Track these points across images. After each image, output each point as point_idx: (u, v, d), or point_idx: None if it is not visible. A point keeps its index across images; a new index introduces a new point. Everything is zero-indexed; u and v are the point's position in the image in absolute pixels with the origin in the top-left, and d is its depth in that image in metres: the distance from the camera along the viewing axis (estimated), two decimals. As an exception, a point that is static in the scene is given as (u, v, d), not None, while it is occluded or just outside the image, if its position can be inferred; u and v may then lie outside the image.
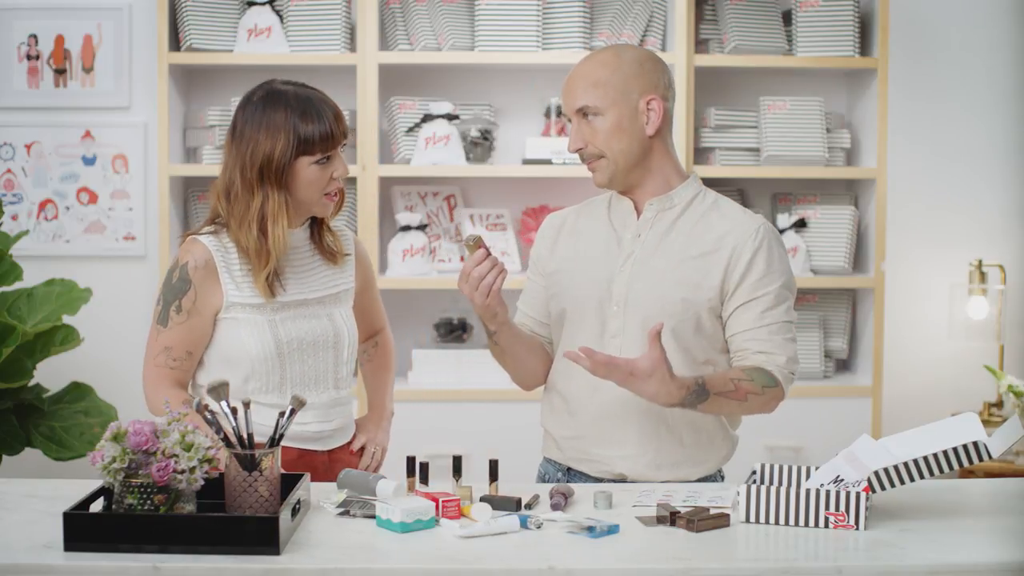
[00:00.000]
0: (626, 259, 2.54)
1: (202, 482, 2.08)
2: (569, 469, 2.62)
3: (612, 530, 2.15)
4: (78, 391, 3.98)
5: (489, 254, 2.42)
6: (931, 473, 2.21)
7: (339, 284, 2.67)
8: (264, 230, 2.51)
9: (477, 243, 2.41)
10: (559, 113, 4.35)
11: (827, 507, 2.17)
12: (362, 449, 2.76)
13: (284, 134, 2.48)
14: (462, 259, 4.42)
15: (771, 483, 2.38)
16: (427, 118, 4.24)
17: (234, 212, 2.53)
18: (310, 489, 2.32)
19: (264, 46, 4.24)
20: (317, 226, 2.65)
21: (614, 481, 2.55)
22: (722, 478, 2.66)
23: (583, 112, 2.52)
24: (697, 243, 2.52)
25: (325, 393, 2.62)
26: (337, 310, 2.65)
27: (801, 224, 4.37)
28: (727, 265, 2.50)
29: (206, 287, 2.53)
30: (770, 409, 2.55)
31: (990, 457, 2.21)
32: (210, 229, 2.57)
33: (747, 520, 2.21)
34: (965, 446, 2.20)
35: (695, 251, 2.52)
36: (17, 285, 3.98)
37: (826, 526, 2.17)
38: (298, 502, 2.17)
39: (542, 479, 2.68)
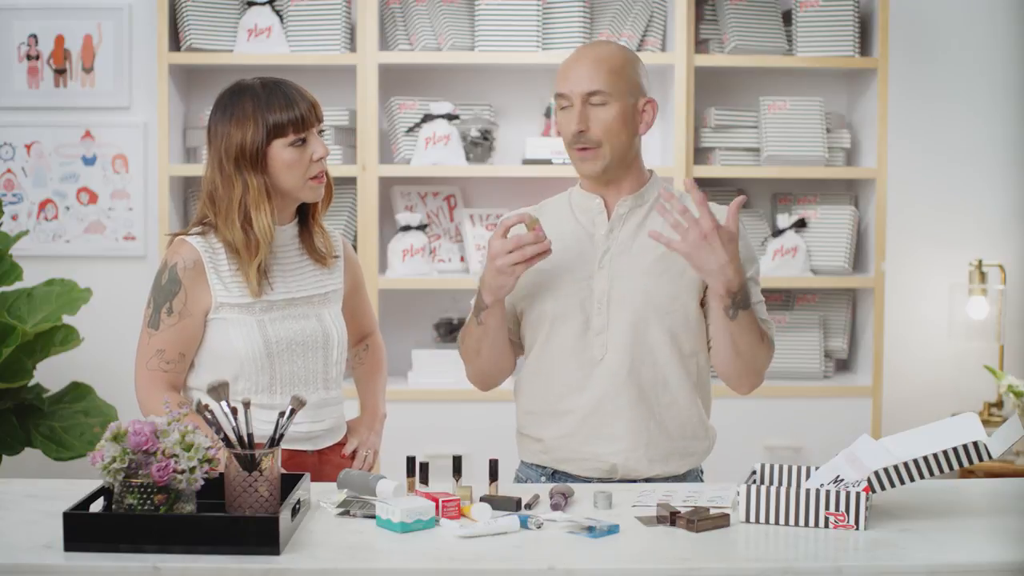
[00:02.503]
0: (602, 256, 2.56)
1: (202, 482, 2.08)
2: (554, 472, 2.62)
3: (612, 530, 2.15)
4: (78, 391, 3.98)
5: (543, 238, 2.43)
6: (931, 473, 2.21)
7: (328, 285, 2.67)
8: (249, 220, 2.51)
9: (533, 224, 2.43)
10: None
11: (827, 507, 2.17)
12: (354, 452, 2.75)
13: (253, 121, 2.51)
14: (462, 259, 4.43)
15: (771, 483, 2.38)
16: (427, 118, 4.24)
17: (219, 211, 2.53)
18: (310, 489, 2.32)
19: (264, 46, 4.25)
20: (307, 225, 2.65)
21: (603, 480, 2.55)
22: (701, 476, 2.67)
23: (590, 96, 2.52)
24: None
25: (315, 393, 2.61)
26: (326, 310, 2.65)
27: (801, 224, 4.37)
28: None
29: (196, 287, 2.53)
30: (759, 377, 2.57)
31: (990, 457, 2.21)
32: (197, 230, 2.57)
33: (747, 520, 2.21)
34: (965, 446, 2.20)
35: None
36: (17, 285, 3.98)
37: (826, 526, 2.17)
38: (298, 502, 2.17)
39: (520, 484, 2.66)
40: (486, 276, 2.48)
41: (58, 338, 3.89)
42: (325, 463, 2.65)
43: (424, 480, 2.40)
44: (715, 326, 2.51)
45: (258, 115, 2.51)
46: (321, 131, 2.58)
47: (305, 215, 2.65)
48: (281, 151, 2.52)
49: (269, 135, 2.51)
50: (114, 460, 2.04)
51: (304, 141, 2.53)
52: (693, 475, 2.64)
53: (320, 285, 2.65)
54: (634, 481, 2.54)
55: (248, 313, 2.55)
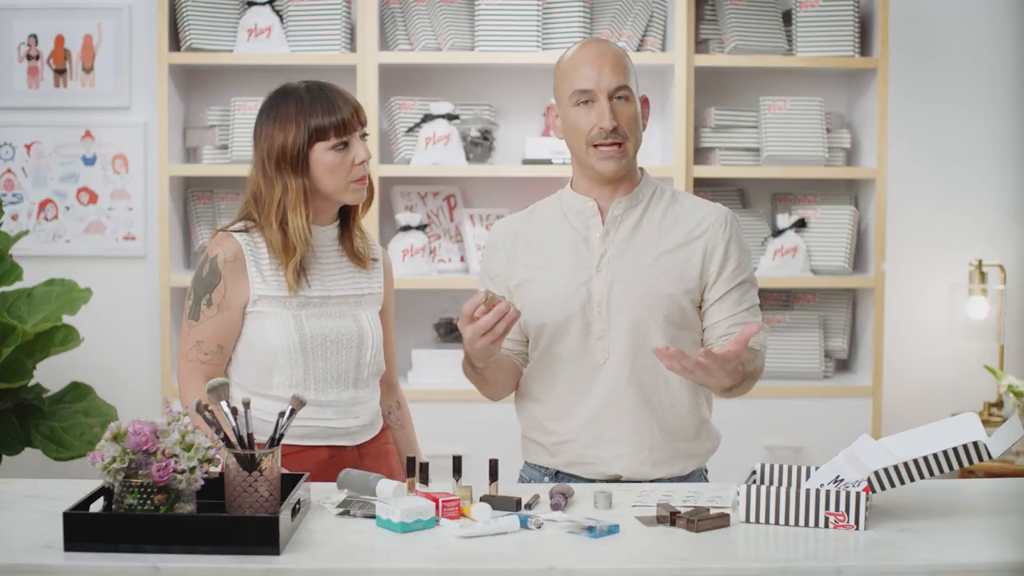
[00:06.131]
0: (599, 259, 2.55)
1: (202, 482, 2.08)
2: (557, 472, 2.61)
3: (612, 530, 2.15)
4: (78, 391, 3.98)
5: (505, 309, 2.39)
6: (931, 473, 2.21)
7: (365, 287, 2.68)
8: (285, 221, 2.54)
9: (491, 302, 2.38)
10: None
11: (827, 507, 2.17)
12: (386, 439, 2.76)
13: (295, 123, 2.54)
14: (462, 259, 4.43)
15: (771, 483, 2.38)
16: (427, 118, 4.24)
17: (262, 211, 2.57)
18: (310, 489, 2.32)
19: (264, 46, 4.25)
20: (347, 228, 2.67)
21: (607, 482, 2.55)
22: (706, 476, 2.67)
23: (616, 92, 2.52)
24: (668, 237, 2.56)
25: (345, 392, 2.62)
26: (363, 311, 2.66)
27: (801, 224, 4.37)
28: (704, 255, 2.55)
29: (235, 280, 2.56)
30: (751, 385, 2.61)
31: (990, 457, 2.21)
32: (241, 226, 2.61)
33: (747, 520, 2.21)
34: (965, 446, 2.20)
35: (668, 245, 2.56)
36: (17, 285, 3.98)
37: (826, 526, 2.17)
38: (298, 502, 2.17)
39: (524, 484, 2.65)
40: (469, 350, 2.46)
41: (58, 338, 3.89)
42: (365, 456, 2.66)
43: (424, 480, 2.40)
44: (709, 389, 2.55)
45: (300, 118, 2.53)
46: (364, 135, 2.60)
47: (347, 217, 2.67)
48: (323, 154, 2.54)
49: (311, 138, 2.53)
50: (114, 460, 2.04)
51: (346, 145, 2.55)
52: (697, 475, 2.63)
53: (357, 287, 2.67)
54: (638, 482, 2.54)
55: (285, 307, 2.57)
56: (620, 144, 2.53)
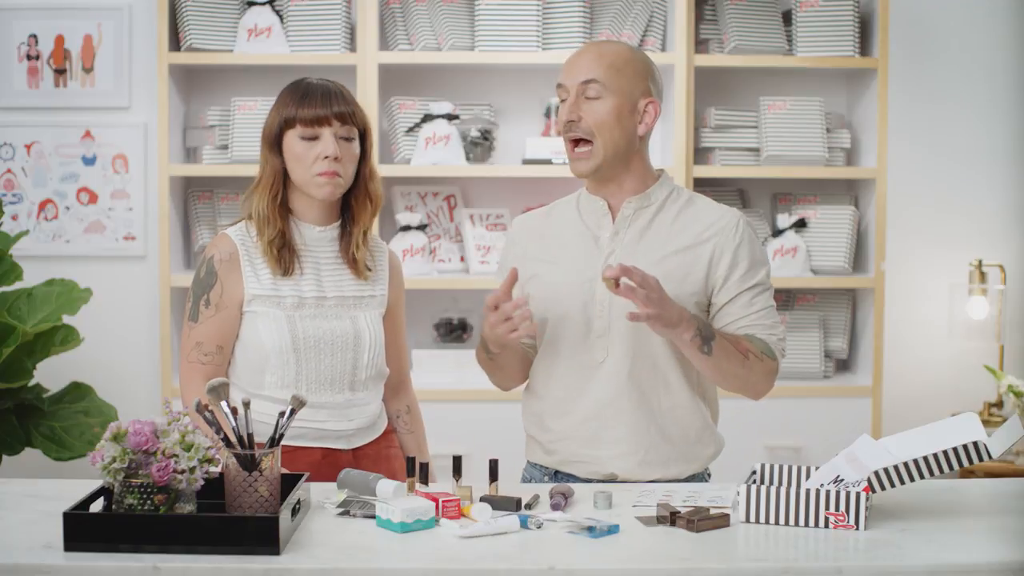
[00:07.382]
0: (606, 258, 2.55)
1: (202, 482, 2.08)
2: (556, 472, 2.61)
3: (612, 530, 2.15)
4: (78, 391, 3.98)
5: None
6: (931, 473, 2.21)
7: (366, 290, 2.68)
8: (256, 196, 2.62)
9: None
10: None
11: (827, 507, 2.17)
12: (389, 442, 2.76)
13: (278, 109, 2.62)
14: (462, 259, 4.43)
15: (771, 483, 2.38)
16: (427, 118, 4.24)
17: (249, 190, 2.67)
18: (310, 489, 2.32)
19: (264, 46, 4.25)
20: (348, 232, 2.66)
21: (603, 482, 2.54)
22: (708, 477, 2.67)
23: (586, 87, 2.51)
24: (677, 239, 2.55)
25: (340, 395, 2.61)
26: (362, 314, 2.66)
27: (801, 224, 4.37)
28: (711, 259, 2.53)
29: (230, 279, 2.58)
30: (765, 386, 2.56)
31: (990, 457, 2.21)
32: (241, 225, 2.64)
33: (747, 520, 2.21)
34: (965, 446, 2.20)
35: (676, 246, 2.54)
36: (17, 285, 3.98)
37: (826, 526, 2.17)
38: (298, 502, 2.17)
39: (526, 483, 2.66)
40: (489, 335, 2.48)
41: (58, 338, 3.89)
42: (362, 458, 2.65)
43: (424, 480, 2.40)
44: (698, 366, 2.51)
45: (281, 104, 2.62)
46: (349, 138, 2.61)
47: (349, 220, 2.68)
48: (293, 142, 2.59)
49: (284, 124, 2.60)
50: (114, 460, 2.04)
51: (315, 138, 2.58)
52: (697, 479, 2.62)
53: (358, 289, 2.67)
54: (635, 482, 2.54)
55: (279, 307, 2.58)
56: (585, 141, 2.52)
